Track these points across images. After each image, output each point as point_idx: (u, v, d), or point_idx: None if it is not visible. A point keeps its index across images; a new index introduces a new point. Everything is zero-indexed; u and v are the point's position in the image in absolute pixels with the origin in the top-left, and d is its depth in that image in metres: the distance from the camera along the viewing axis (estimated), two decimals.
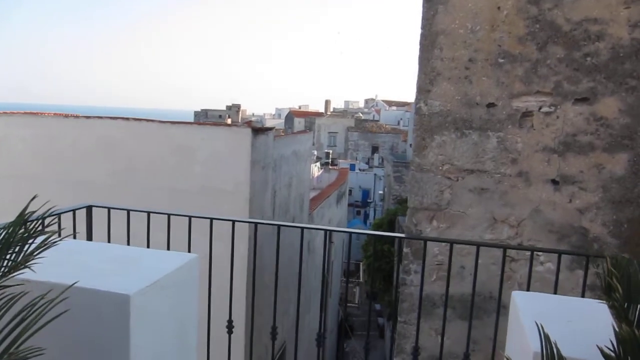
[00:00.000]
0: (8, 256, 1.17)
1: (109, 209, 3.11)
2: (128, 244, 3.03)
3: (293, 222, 9.93)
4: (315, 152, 27.89)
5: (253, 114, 76.57)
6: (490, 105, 3.18)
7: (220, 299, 2.98)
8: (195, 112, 66.10)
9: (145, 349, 1.65)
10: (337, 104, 76.50)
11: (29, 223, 1.29)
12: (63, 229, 2.66)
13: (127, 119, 7.09)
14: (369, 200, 38.12)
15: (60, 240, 1.28)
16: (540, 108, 3.12)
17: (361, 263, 23.33)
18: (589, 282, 2.95)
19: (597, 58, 3.01)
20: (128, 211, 3.08)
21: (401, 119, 55.18)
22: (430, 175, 3.33)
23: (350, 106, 77.22)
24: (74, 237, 2.75)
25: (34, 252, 1.19)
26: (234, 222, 2.96)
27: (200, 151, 6.72)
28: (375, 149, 47.00)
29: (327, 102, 67.16)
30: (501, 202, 3.23)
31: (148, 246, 2.97)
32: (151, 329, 1.68)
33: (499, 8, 3.12)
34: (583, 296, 2.70)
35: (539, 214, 3.19)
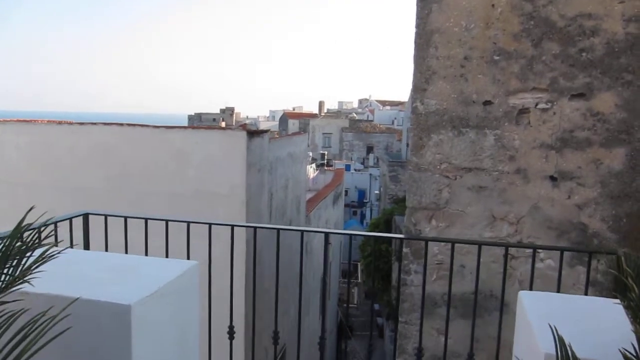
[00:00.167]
0: (6, 270, 1.15)
1: (106, 216, 3.08)
2: (126, 251, 3.01)
3: (290, 224, 9.91)
4: (311, 154, 27.88)
5: (247, 117, 76.53)
6: (487, 102, 3.18)
7: (218, 303, 2.96)
8: (189, 115, 66.04)
9: (147, 359, 1.63)
10: (331, 104, 76.52)
11: (26, 234, 1.26)
12: (60, 241, 2.63)
13: (122, 124, 7.06)
14: (365, 201, 38.12)
15: (58, 253, 1.25)
16: (536, 104, 3.11)
17: (359, 263, 23.31)
18: (590, 278, 2.95)
19: (593, 53, 3.00)
20: (125, 218, 3.05)
21: (395, 118, 55.22)
22: (428, 174, 3.32)
23: (344, 107, 77.24)
24: (71, 246, 2.72)
25: (32, 267, 1.17)
26: (233, 226, 2.94)
27: (196, 155, 6.69)
28: (370, 149, 47.01)
29: (321, 103, 67.19)
30: (500, 199, 3.22)
31: (146, 253, 2.94)
32: (152, 339, 1.65)
33: (493, 5, 3.11)
34: (586, 293, 2.69)
35: (538, 211, 3.18)
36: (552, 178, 3.13)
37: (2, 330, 1.03)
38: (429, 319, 3.32)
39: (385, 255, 15.29)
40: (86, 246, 3.11)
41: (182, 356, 1.91)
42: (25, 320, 1.06)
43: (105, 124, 7.08)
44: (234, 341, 3.02)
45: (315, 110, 66.78)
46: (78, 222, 3.09)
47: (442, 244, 3.27)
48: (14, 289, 1.15)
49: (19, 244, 1.19)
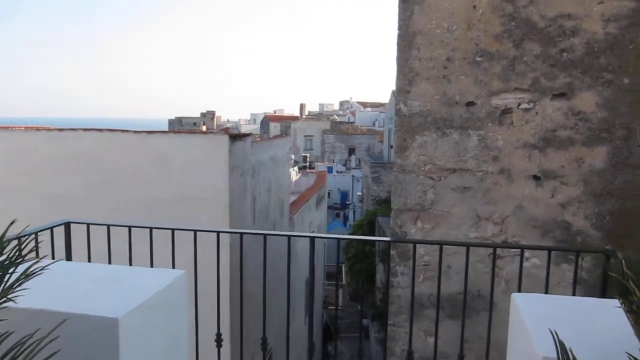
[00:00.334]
0: None
1: (88, 224, 3.02)
2: (109, 260, 2.95)
3: (274, 227, 9.88)
4: (293, 156, 27.84)
5: (228, 120, 76.17)
6: (470, 103, 3.19)
7: (203, 309, 2.92)
8: (169, 120, 65.50)
9: None
10: (312, 107, 76.52)
11: (7, 247, 1.22)
12: (43, 256, 2.57)
13: (101, 130, 6.95)
14: (347, 202, 38.16)
15: (42, 270, 1.21)
16: (519, 105, 3.13)
17: (343, 265, 23.29)
18: (573, 276, 2.98)
19: (573, 53, 3.03)
20: (108, 226, 2.99)
21: (376, 119, 55.40)
22: (412, 176, 3.32)
23: (325, 109, 77.31)
24: (53, 257, 2.66)
25: (14, 285, 1.12)
26: (218, 233, 2.90)
27: (178, 160, 6.63)
28: (351, 151, 47.10)
29: (302, 106, 67.17)
30: (484, 199, 3.24)
31: (130, 262, 2.89)
32: (141, 351, 1.61)
33: (474, 7, 3.13)
34: (574, 292, 2.71)
35: (522, 210, 3.20)
36: (536, 177, 3.16)
37: None
38: (417, 321, 3.32)
39: (369, 257, 15.30)
40: (68, 256, 3.05)
41: None
42: (13, 338, 1.02)
43: (85, 129, 6.98)
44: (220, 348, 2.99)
45: (297, 113, 66.73)
46: (59, 231, 3.02)
47: (429, 245, 3.27)
48: None
49: (1, 258, 1.15)
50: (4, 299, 1.11)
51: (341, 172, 40.93)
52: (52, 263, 1.43)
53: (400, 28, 3.25)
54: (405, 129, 3.30)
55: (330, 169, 37.08)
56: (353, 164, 42.36)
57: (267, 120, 59.35)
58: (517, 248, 3.04)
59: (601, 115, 3.04)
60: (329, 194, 27.59)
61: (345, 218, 37.50)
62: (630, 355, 0.90)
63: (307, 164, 35.36)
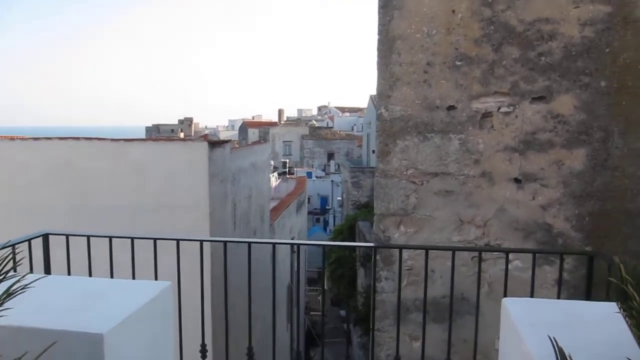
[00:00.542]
0: None
1: (67, 235, 2.95)
2: (90, 271, 2.89)
3: (255, 234, 9.82)
4: (272, 162, 27.75)
5: (206, 127, 75.68)
6: (451, 107, 3.20)
7: (186, 319, 2.87)
8: (146, 127, 64.85)
9: None
10: (291, 112, 76.43)
11: None
12: (19, 262, 2.51)
13: (78, 138, 6.85)
14: (327, 207, 38.15)
15: (23, 289, 1.17)
16: (499, 108, 3.16)
17: (325, 270, 23.24)
18: (554, 278, 3.01)
19: (551, 57, 3.07)
20: (88, 237, 2.92)
21: (355, 124, 55.58)
22: (395, 180, 3.32)
23: (304, 114, 77.29)
24: (31, 270, 2.59)
25: None
26: (202, 242, 2.86)
27: (157, 167, 6.56)
28: (330, 156, 47.14)
29: (280, 111, 67.05)
30: (466, 203, 3.25)
31: (111, 273, 2.84)
32: None
33: (453, 11, 3.15)
34: (559, 294, 2.73)
35: (504, 213, 3.22)
36: (517, 180, 3.18)
37: None
38: (402, 325, 3.31)
39: (350, 262, 15.31)
40: (47, 269, 2.97)
41: None
42: None
43: (60, 138, 6.86)
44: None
45: (275, 119, 66.58)
46: (37, 243, 2.95)
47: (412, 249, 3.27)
48: None
49: None
50: None
51: (320, 177, 40.91)
52: (36, 280, 1.39)
53: (380, 33, 3.25)
54: (386, 133, 3.31)
55: (309, 174, 37.05)
56: (332, 169, 42.40)
57: (245, 127, 59.11)
58: (503, 251, 3.06)
59: (579, 117, 3.08)
60: (308, 199, 27.55)
61: (326, 223, 37.48)
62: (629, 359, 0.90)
63: (287, 169, 35.28)
